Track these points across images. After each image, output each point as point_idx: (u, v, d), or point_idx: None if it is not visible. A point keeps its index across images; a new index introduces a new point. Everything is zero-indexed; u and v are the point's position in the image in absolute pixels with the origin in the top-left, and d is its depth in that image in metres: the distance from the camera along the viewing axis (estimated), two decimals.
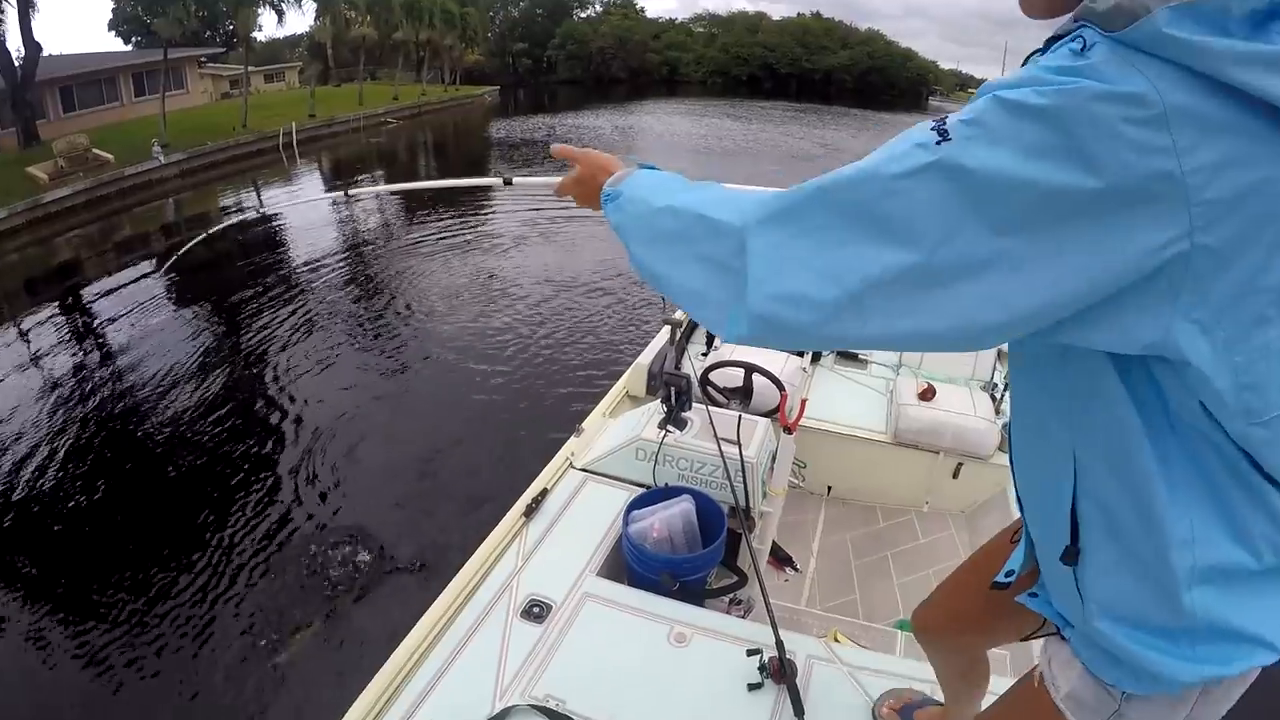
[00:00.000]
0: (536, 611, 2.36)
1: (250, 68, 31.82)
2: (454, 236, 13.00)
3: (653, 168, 1.25)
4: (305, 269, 11.51)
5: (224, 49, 37.94)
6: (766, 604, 2.31)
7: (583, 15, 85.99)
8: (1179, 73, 0.73)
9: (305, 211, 15.76)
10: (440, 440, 6.18)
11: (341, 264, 11.84)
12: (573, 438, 3.43)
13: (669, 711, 2.08)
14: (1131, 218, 0.75)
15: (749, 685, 2.12)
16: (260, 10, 29.64)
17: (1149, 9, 0.74)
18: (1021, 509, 1.27)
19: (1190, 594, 0.93)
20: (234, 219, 13.87)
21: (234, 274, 11.17)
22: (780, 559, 3.58)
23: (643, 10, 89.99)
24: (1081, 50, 0.79)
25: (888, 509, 3.97)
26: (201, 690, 3.90)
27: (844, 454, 3.92)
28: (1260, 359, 0.83)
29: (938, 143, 0.81)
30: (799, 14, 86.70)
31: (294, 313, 9.44)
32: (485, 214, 14.91)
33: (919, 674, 2.17)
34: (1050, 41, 0.87)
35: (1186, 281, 0.78)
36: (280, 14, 32.56)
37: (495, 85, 58.17)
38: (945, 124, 0.82)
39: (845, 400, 4.16)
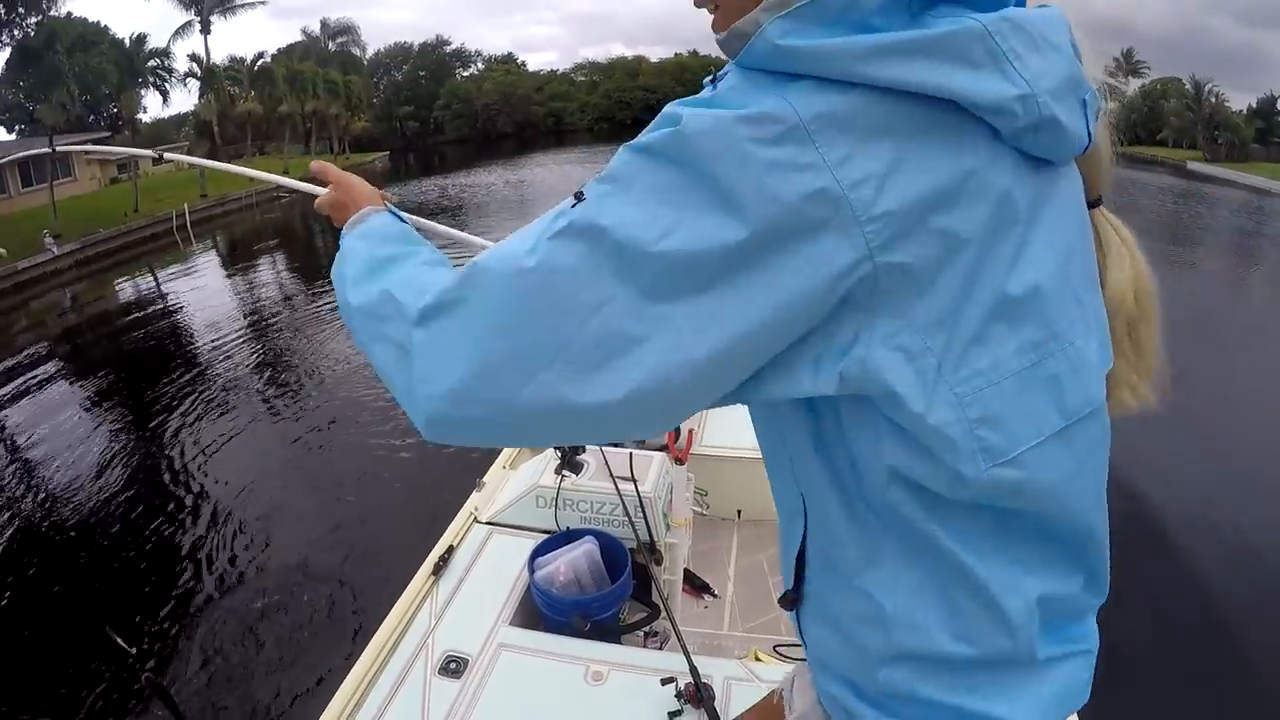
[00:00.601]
0: (454, 667, 2.33)
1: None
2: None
3: (397, 215, 1.10)
4: (206, 345, 11.32)
5: (109, 133, 36.69)
6: (677, 632, 2.32)
7: (465, 74, 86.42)
8: (812, 83, 0.66)
9: (201, 290, 15.41)
10: (347, 504, 6.12)
11: (239, 338, 11.65)
12: (475, 493, 3.39)
13: None
14: (795, 253, 0.65)
15: (669, 714, 2.13)
16: (144, 92, 28.99)
17: (759, 24, 0.68)
18: None
19: (885, 670, 0.83)
20: None
21: (134, 354, 11.04)
22: (697, 587, 3.59)
23: (524, 64, 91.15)
24: (713, 84, 0.75)
25: None
26: None
27: (747, 476, 3.97)
28: (989, 386, 0.71)
29: (573, 205, 0.72)
30: (676, 54, 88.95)
31: (195, 390, 9.28)
32: None
33: None
34: None
35: (878, 306, 0.68)
36: (165, 94, 31.83)
37: (385, 151, 57.84)
38: (583, 187, 0.74)
39: (741, 425, 4.22)
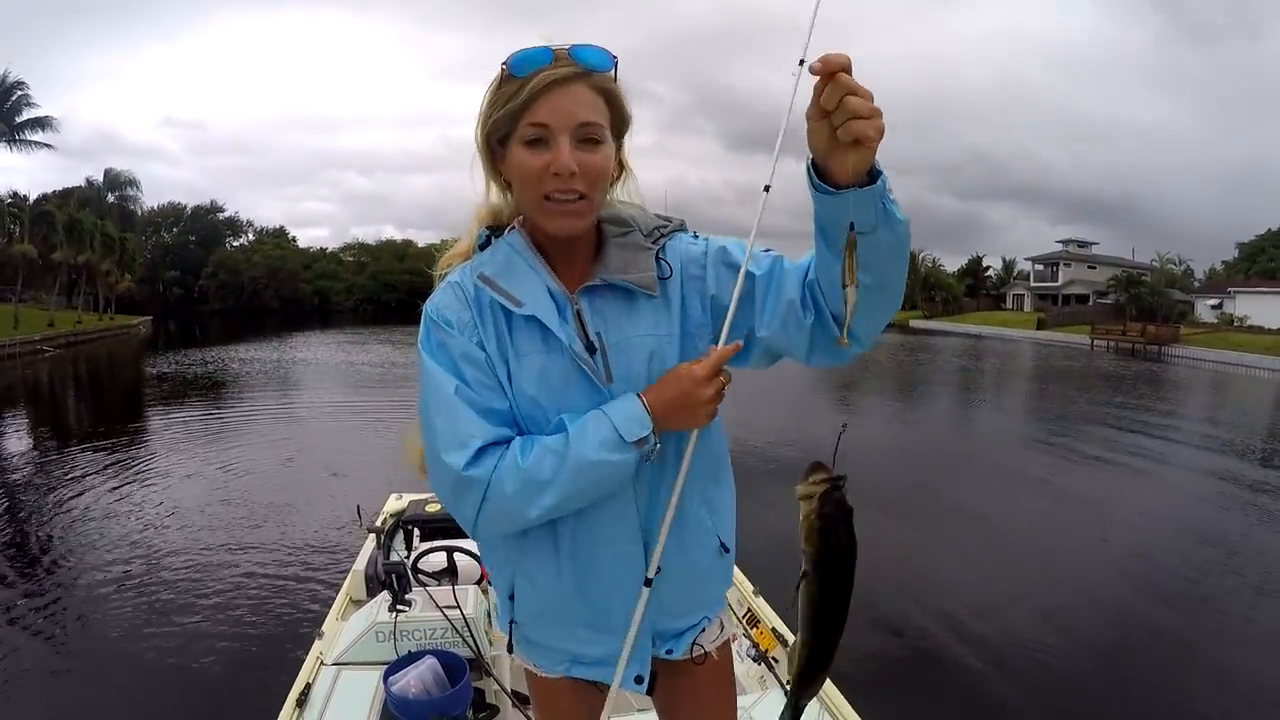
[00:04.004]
0: None
1: None
2: (107, 482, 11.29)
3: None
4: None
5: None
6: (519, 708, 2.86)
7: (236, 243, 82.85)
8: None
9: None
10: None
11: None
12: (316, 641, 3.75)
13: None
14: None
15: None
16: None
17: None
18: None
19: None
20: None
21: None
22: (520, 700, 4.02)
23: (295, 239, 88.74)
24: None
25: None
26: None
27: None
28: None
29: None
30: (442, 240, 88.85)
31: None
32: (134, 451, 13.73)
33: None
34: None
35: None
36: None
37: (148, 315, 54.00)
38: None
39: None
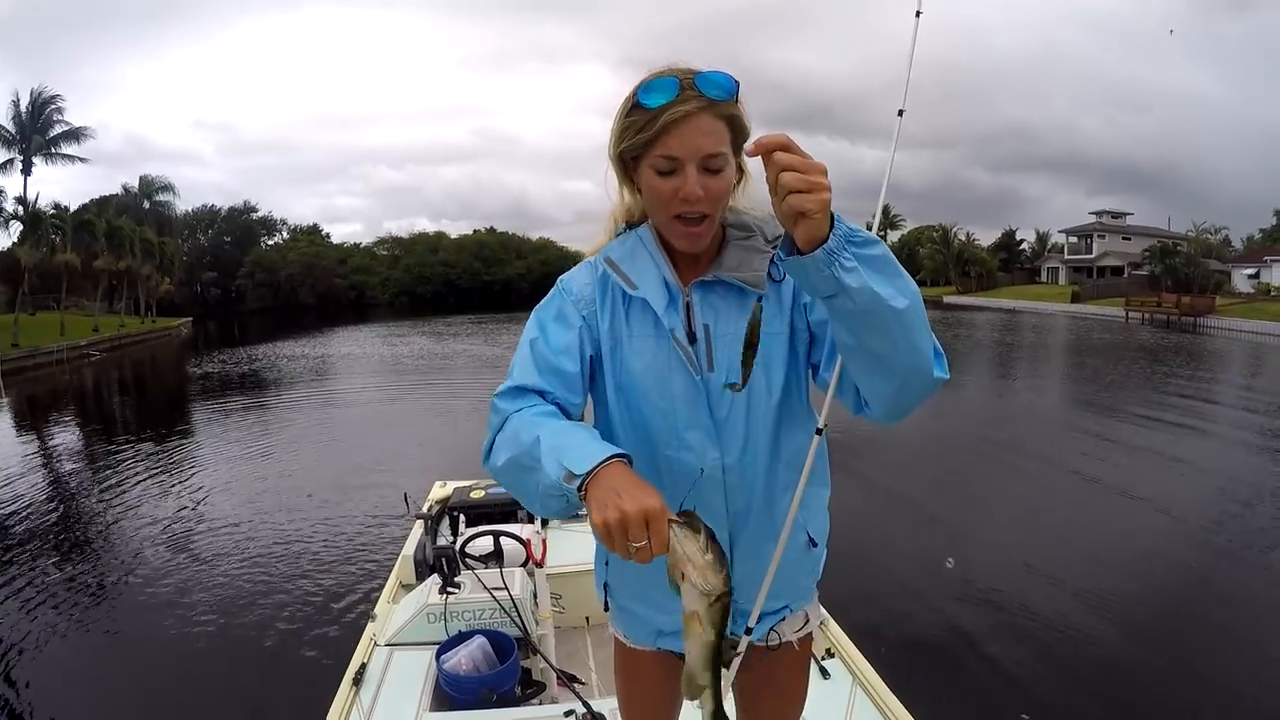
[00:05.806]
0: None
1: None
2: (146, 479, 11.35)
3: None
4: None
5: None
6: (565, 682, 2.94)
7: (270, 243, 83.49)
8: None
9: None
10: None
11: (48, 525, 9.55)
12: (369, 623, 3.85)
13: None
14: None
15: None
16: None
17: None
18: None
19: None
20: None
21: None
22: (566, 678, 4.12)
23: (328, 235, 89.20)
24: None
25: None
26: None
27: (590, 586, 4.53)
28: None
29: None
30: (475, 230, 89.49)
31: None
32: (184, 445, 13.96)
33: None
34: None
35: None
36: None
37: (188, 316, 54.97)
38: None
39: (578, 547, 4.82)
